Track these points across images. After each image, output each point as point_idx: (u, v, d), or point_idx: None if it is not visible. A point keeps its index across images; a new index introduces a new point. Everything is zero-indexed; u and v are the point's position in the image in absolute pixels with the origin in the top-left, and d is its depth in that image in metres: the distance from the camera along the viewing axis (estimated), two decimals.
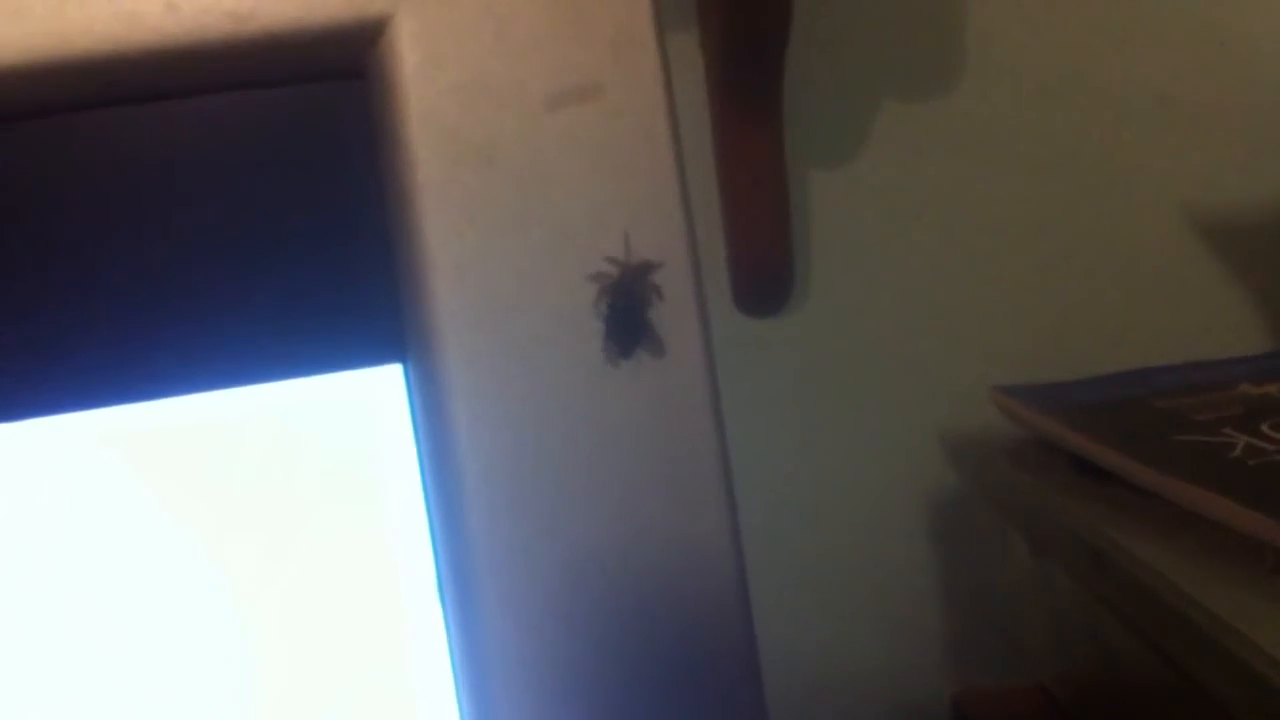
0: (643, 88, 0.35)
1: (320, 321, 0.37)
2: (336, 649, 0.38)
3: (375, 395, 0.38)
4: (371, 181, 0.36)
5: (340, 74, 0.36)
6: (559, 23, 0.35)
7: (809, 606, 0.63)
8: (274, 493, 0.38)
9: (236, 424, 0.38)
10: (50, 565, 0.37)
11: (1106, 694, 0.46)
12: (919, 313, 0.63)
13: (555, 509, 0.35)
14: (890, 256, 0.62)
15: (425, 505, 0.37)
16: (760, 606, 0.56)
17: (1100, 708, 0.47)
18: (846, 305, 0.62)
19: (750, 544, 0.60)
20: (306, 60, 0.35)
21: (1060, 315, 0.63)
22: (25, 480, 0.37)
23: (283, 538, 0.38)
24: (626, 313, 0.35)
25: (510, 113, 0.35)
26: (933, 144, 0.62)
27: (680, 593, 0.35)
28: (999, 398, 0.53)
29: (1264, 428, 0.45)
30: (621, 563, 0.35)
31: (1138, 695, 0.43)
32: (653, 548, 0.35)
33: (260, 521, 0.38)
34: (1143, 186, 0.63)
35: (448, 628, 0.37)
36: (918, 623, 0.64)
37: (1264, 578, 0.38)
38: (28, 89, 0.34)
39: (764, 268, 0.60)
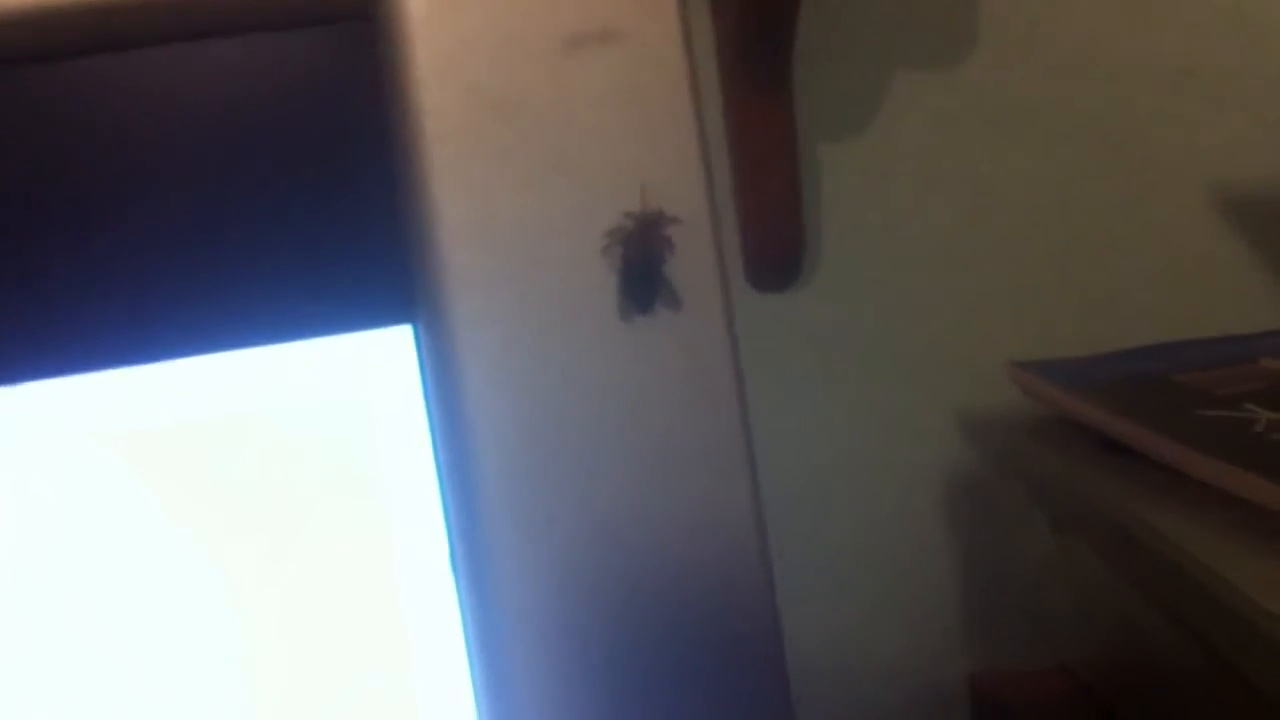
0: (662, 34, 0.34)
1: (326, 281, 0.36)
2: (338, 646, 0.38)
3: (383, 357, 0.37)
4: (381, 133, 0.35)
5: (348, 15, 0.35)
6: None
7: (828, 586, 0.63)
8: (277, 487, 0.38)
9: (239, 415, 0.37)
10: (51, 565, 0.37)
11: (1129, 672, 0.46)
12: (935, 288, 0.62)
13: (571, 472, 0.34)
14: (905, 230, 0.62)
15: (436, 471, 0.36)
16: (779, 587, 0.56)
17: (1123, 686, 0.46)
18: (861, 280, 0.62)
19: (768, 524, 0.60)
20: (313, 1, 0.34)
21: (1079, 290, 0.63)
22: (25, 480, 0.37)
23: (285, 532, 0.38)
24: (642, 266, 0.34)
25: (525, 61, 0.34)
26: (948, 117, 0.61)
27: (701, 557, 0.34)
28: (1019, 374, 0.53)
29: None
30: (640, 525, 0.34)
31: (1163, 673, 0.43)
32: (673, 509, 0.34)
33: (263, 516, 0.38)
34: (1162, 160, 0.63)
35: (460, 597, 0.36)
36: (938, 602, 0.64)
37: None
38: (32, 34, 0.34)
39: (776, 242, 0.60)
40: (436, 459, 0.36)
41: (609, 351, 0.34)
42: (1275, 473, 0.40)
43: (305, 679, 0.38)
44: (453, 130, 0.34)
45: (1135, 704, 0.45)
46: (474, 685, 0.36)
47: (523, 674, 0.34)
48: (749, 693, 0.35)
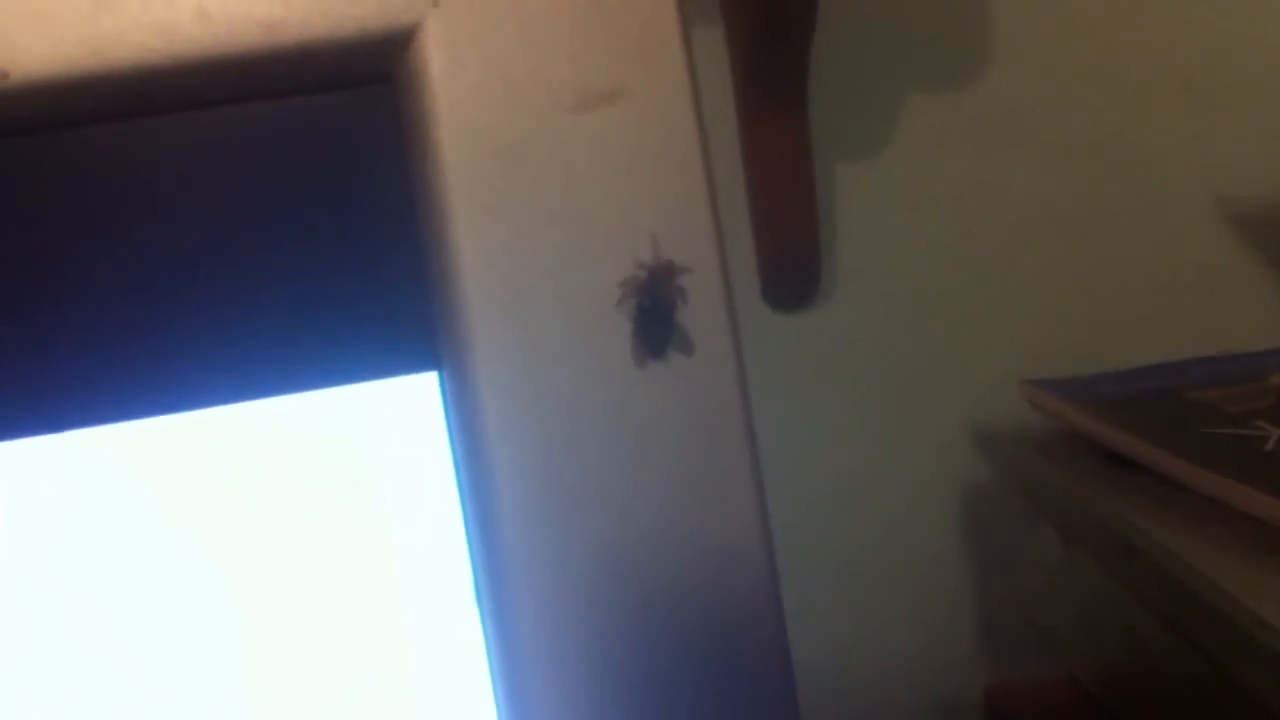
0: (669, 90, 0.35)
1: (355, 330, 0.37)
2: (338, 646, 0.39)
3: (411, 402, 0.38)
4: (402, 186, 0.36)
5: (369, 80, 0.36)
6: (585, 26, 0.35)
7: (841, 600, 0.63)
8: (277, 488, 0.38)
9: (247, 432, 0.38)
10: (51, 565, 0.37)
11: (1138, 685, 0.46)
12: (948, 305, 0.62)
13: (588, 508, 0.35)
14: (918, 248, 0.62)
15: (461, 509, 0.37)
16: (792, 600, 0.56)
17: (1132, 698, 0.47)
18: (875, 298, 0.62)
19: (781, 538, 0.60)
20: (336, 67, 0.36)
21: (1090, 306, 0.63)
22: (26, 480, 0.37)
23: (285, 533, 0.38)
24: (654, 313, 0.35)
25: (538, 115, 0.35)
26: (960, 135, 0.61)
27: (712, 589, 0.35)
28: (1029, 390, 0.53)
29: None
30: (653, 560, 0.35)
31: (1169, 686, 0.43)
32: (684, 545, 0.35)
33: (263, 516, 0.38)
34: (1170, 175, 0.63)
35: (485, 630, 0.37)
36: (949, 615, 0.64)
37: None
38: (61, 101, 0.35)
39: (791, 261, 0.60)
40: (461, 497, 0.37)
41: (624, 393, 0.35)
42: None
43: (305, 679, 0.38)
44: (470, 181, 0.35)
45: (1142, 715, 0.46)
46: (496, 703, 0.37)
47: (542, 691, 0.35)
48: (757, 709, 0.36)
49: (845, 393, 0.62)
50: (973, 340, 0.63)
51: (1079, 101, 0.62)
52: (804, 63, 0.57)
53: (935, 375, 0.63)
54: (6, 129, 0.35)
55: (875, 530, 0.63)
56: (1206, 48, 0.62)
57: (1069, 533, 0.50)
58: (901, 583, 0.64)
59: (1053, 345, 0.63)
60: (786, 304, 0.61)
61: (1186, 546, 0.41)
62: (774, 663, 0.35)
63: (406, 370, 0.38)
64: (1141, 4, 0.62)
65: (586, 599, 0.35)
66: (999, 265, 0.63)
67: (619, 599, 0.35)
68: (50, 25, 0.34)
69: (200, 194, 0.37)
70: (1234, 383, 0.50)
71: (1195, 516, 0.42)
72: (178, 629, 0.38)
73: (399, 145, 0.36)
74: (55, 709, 0.37)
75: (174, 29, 0.34)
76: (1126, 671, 0.47)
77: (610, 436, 0.35)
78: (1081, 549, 0.48)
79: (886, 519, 0.63)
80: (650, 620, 0.35)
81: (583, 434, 0.35)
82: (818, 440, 0.63)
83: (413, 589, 0.38)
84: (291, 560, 0.38)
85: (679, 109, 0.35)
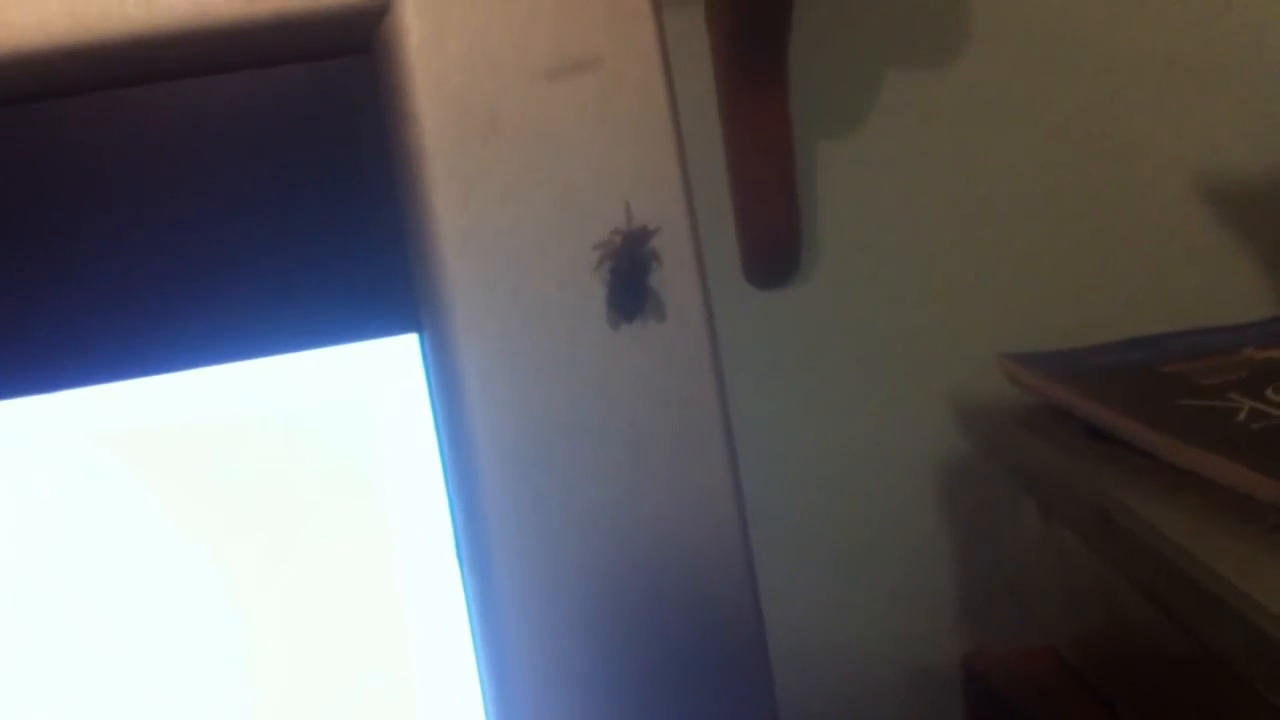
0: (640, 59, 0.36)
1: (335, 293, 0.37)
2: (338, 646, 0.39)
3: (390, 365, 0.38)
4: (381, 154, 0.37)
5: (348, 50, 0.36)
6: None
7: (822, 571, 0.64)
8: (277, 487, 0.38)
9: (240, 417, 0.38)
10: (51, 566, 0.37)
11: (1117, 655, 0.46)
12: (928, 281, 0.63)
13: (564, 465, 0.36)
14: (899, 225, 0.62)
15: (442, 468, 0.38)
16: (772, 573, 0.57)
17: (1110, 668, 0.47)
18: (856, 275, 0.62)
19: (761, 512, 0.61)
20: (315, 38, 0.36)
21: (1069, 282, 0.63)
22: (25, 481, 0.37)
23: (285, 533, 0.38)
24: (628, 277, 0.36)
25: (514, 83, 0.35)
26: (940, 112, 0.62)
27: (684, 549, 0.36)
28: (1008, 365, 0.53)
29: (1268, 392, 0.45)
30: (629, 515, 0.36)
31: (1146, 656, 0.44)
32: (658, 499, 0.36)
33: (263, 516, 0.38)
34: (1149, 153, 0.63)
35: (465, 585, 0.38)
36: (929, 589, 0.64)
37: (1265, 536, 0.39)
38: (43, 73, 0.35)
39: (773, 239, 0.60)
40: (442, 456, 0.38)
41: (598, 356, 0.36)
42: (1256, 460, 0.41)
43: (305, 679, 0.38)
44: (448, 149, 0.36)
45: (1122, 685, 0.46)
46: (476, 661, 0.37)
47: (521, 652, 0.36)
48: (730, 675, 0.36)
49: (826, 369, 0.63)
50: (954, 317, 0.63)
51: (1060, 79, 0.62)
52: (784, 41, 0.57)
53: (916, 351, 0.63)
54: None
55: (857, 503, 0.64)
56: (1188, 27, 0.63)
57: (1048, 505, 0.50)
58: (883, 555, 0.64)
59: (1034, 322, 0.63)
60: (768, 282, 0.62)
61: (1162, 517, 0.41)
62: (744, 618, 0.36)
63: (387, 333, 0.38)
64: None
65: (561, 557, 0.36)
66: (980, 242, 0.63)
67: (594, 556, 0.36)
68: None
69: (182, 163, 0.37)
70: (1207, 356, 0.50)
71: (1171, 488, 0.43)
72: (177, 629, 0.38)
73: (378, 113, 0.37)
74: (55, 709, 0.37)
75: (156, 2, 0.35)
76: (1106, 642, 0.47)
77: (585, 398, 0.36)
78: (1061, 521, 0.49)
79: (868, 492, 0.64)
80: (624, 579, 0.36)
81: (558, 395, 0.36)
82: (800, 416, 0.63)
83: (413, 589, 0.38)
84: (292, 561, 0.38)
85: (651, 77, 0.36)
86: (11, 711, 0.37)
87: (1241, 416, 0.44)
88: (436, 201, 0.36)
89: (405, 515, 0.38)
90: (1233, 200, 0.63)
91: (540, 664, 0.36)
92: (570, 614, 0.36)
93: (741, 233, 0.60)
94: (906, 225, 0.62)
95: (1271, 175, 0.63)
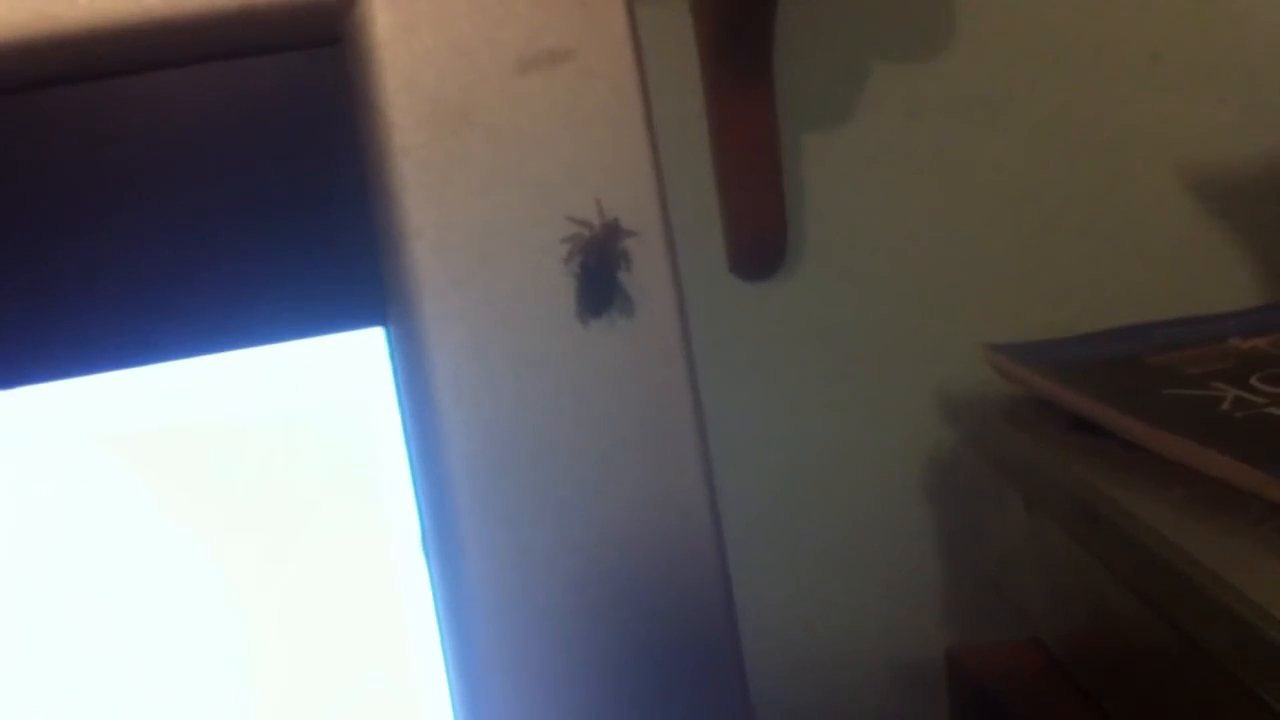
0: (613, 51, 0.35)
1: (302, 286, 0.37)
2: (338, 646, 0.39)
3: (359, 358, 0.38)
4: (350, 146, 0.37)
5: (316, 41, 0.36)
6: None
7: (806, 565, 0.64)
8: (269, 488, 0.38)
9: (238, 416, 0.38)
10: (50, 566, 0.37)
11: (1102, 648, 0.46)
12: (914, 273, 0.63)
13: (535, 467, 0.36)
14: (884, 217, 0.62)
15: (409, 464, 0.38)
16: (757, 567, 0.57)
17: (1094, 661, 0.47)
18: (841, 267, 0.62)
19: (746, 505, 0.61)
20: (282, 29, 0.36)
21: (1055, 274, 0.63)
22: (25, 480, 0.37)
23: (284, 532, 0.38)
24: (598, 272, 0.35)
25: (484, 76, 0.35)
26: (926, 105, 0.62)
27: (656, 545, 0.36)
28: (993, 356, 0.53)
29: (1252, 381, 0.45)
30: (598, 510, 0.36)
31: (1131, 648, 0.43)
32: (628, 494, 0.36)
33: (262, 516, 0.38)
34: (1134, 145, 0.63)
35: (432, 582, 0.37)
36: (914, 581, 0.64)
37: (1249, 528, 0.39)
38: (9, 64, 0.35)
39: (758, 231, 0.60)
40: (409, 449, 0.37)
41: (568, 350, 0.36)
42: (1240, 450, 0.41)
43: (305, 679, 0.38)
44: (417, 141, 0.35)
45: (1107, 677, 0.46)
46: (444, 659, 0.37)
47: (491, 650, 0.36)
48: (702, 671, 0.36)
49: (812, 361, 0.63)
50: (938, 308, 0.63)
51: (1046, 72, 0.62)
52: (769, 34, 0.57)
53: (901, 343, 0.63)
54: None
55: (841, 497, 0.64)
56: (1170, 20, 0.63)
57: (1033, 497, 0.50)
58: (867, 548, 0.64)
59: (1018, 313, 0.63)
60: (754, 275, 0.62)
61: (1148, 509, 0.41)
62: (716, 614, 0.35)
63: (352, 326, 0.38)
64: None
65: (532, 554, 0.36)
66: (965, 234, 0.63)
67: (564, 552, 0.36)
68: None
69: (149, 156, 0.37)
70: (1192, 346, 0.50)
71: (1157, 479, 0.43)
72: (177, 629, 0.38)
73: (347, 105, 0.36)
74: (55, 709, 0.37)
75: None
76: (1091, 636, 0.47)
77: (555, 394, 0.36)
78: (1046, 513, 0.49)
79: (852, 485, 0.64)
80: (594, 575, 0.35)
81: (528, 391, 0.36)
82: (785, 406, 0.63)
83: (413, 589, 0.38)
84: (291, 561, 0.38)
85: (622, 71, 0.35)
86: (11, 711, 0.37)
87: (1226, 405, 0.44)
88: (406, 195, 0.35)
89: (403, 513, 0.38)
90: (1217, 192, 0.63)
91: (510, 662, 0.35)
92: (541, 610, 0.35)
93: (727, 225, 0.60)
94: (892, 217, 0.62)
95: (1256, 167, 0.63)
